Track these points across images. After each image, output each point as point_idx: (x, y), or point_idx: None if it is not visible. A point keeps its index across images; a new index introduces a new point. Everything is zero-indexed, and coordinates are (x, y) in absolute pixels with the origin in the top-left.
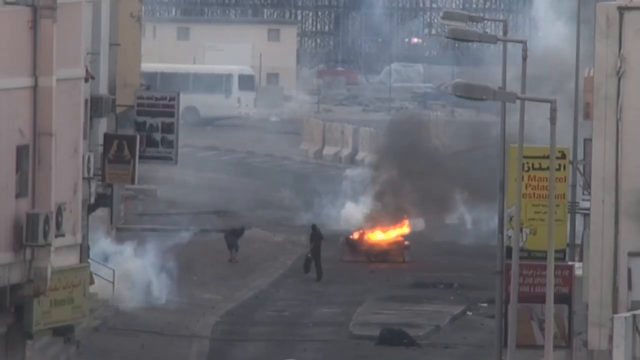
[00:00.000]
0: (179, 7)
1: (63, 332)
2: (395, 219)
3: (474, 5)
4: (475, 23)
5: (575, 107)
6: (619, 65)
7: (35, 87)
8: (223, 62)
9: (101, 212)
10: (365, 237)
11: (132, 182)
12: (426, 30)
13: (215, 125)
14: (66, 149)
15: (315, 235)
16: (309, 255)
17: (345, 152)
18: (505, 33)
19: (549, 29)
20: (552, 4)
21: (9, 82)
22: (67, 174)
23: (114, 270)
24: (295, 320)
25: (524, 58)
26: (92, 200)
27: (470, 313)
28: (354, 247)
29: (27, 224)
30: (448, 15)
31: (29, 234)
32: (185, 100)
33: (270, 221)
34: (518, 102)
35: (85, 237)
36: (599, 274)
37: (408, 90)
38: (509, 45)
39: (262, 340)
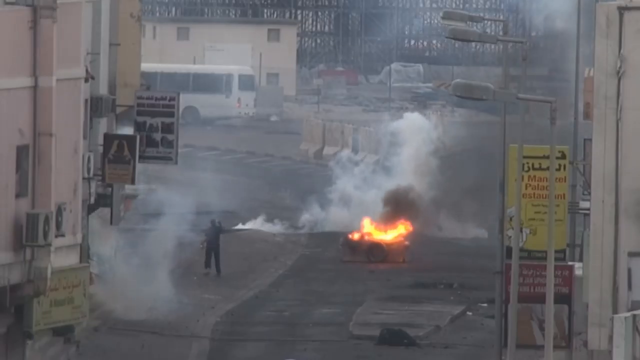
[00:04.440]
0: (179, 7)
1: (63, 332)
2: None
3: (474, 5)
4: (475, 23)
5: (575, 107)
6: (619, 65)
7: (35, 87)
8: (223, 62)
9: (101, 212)
10: (365, 237)
11: (132, 182)
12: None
13: (215, 125)
14: (66, 149)
15: (212, 230)
16: (201, 247)
17: (346, 152)
18: (505, 33)
19: None
20: None
21: (9, 82)
22: (67, 174)
23: (113, 271)
24: (295, 320)
25: (524, 58)
26: (92, 200)
27: (470, 313)
28: (354, 247)
29: (27, 224)
30: (448, 15)
31: (29, 234)
32: (185, 100)
33: (270, 221)
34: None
35: (85, 237)
36: (599, 274)
37: (408, 90)
38: None
39: (262, 340)
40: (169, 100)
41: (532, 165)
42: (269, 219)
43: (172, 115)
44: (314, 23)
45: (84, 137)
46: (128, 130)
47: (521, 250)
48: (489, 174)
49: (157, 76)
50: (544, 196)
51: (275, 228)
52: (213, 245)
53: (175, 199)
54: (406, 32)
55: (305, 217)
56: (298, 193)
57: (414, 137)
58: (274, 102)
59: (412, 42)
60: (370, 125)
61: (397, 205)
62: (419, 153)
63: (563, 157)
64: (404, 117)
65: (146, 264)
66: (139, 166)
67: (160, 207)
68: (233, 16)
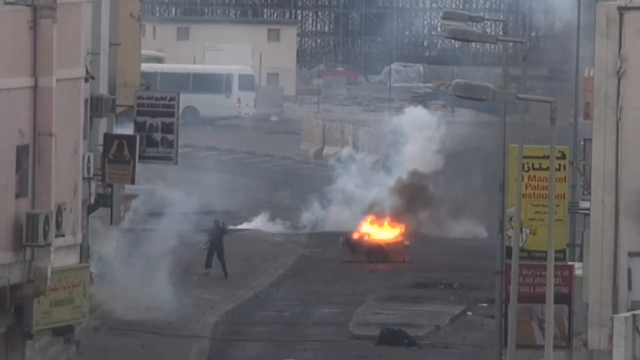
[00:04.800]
0: (179, 7)
1: (63, 332)
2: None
3: (474, 5)
4: (475, 23)
5: (575, 107)
6: (619, 65)
7: (35, 87)
8: (223, 62)
9: (101, 212)
10: (365, 237)
11: (132, 182)
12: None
13: (215, 125)
14: (66, 149)
15: (216, 230)
16: (204, 248)
17: (346, 151)
18: (505, 33)
19: None
20: None
21: (9, 82)
22: (67, 174)
23: (113, 271)
24: (295, 320)
25: (524, 58)
26: (92, 200)
27: (470, 313)
28: (354, 247)
29: (27, 224)
30: (448, 15)
31: (29, 234)
32: (185, 100)
33: (271, 221)
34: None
35: (85, 237)
36: (599, 274)
37: (408, 90)
38: None
39: (262, 340)
40: (169, 100)
41: (532, 165)
42: (270, 219)
43: (172, 115)
44: (314, 23)
45: (84, 137)
46: (127, 130)
47: (521, 250)
48: (491, 173)
49: (157, 76)
50: (544, 196)
51: (276, 228)
52: (216, 246)
53: (175, 199)
54: (406, 32)
55: (306, 217)
56: (298, 193)
57: (417, 133)
58: (274, 102)
59: (412, 42)
60: (370, 125)
61: (413, 193)
62: (423, 152)
63: (563, 157)
64: (405, 112)
65: (146, 264)
66: (139, 166)
67: (160, 207)
68: (233, 16)
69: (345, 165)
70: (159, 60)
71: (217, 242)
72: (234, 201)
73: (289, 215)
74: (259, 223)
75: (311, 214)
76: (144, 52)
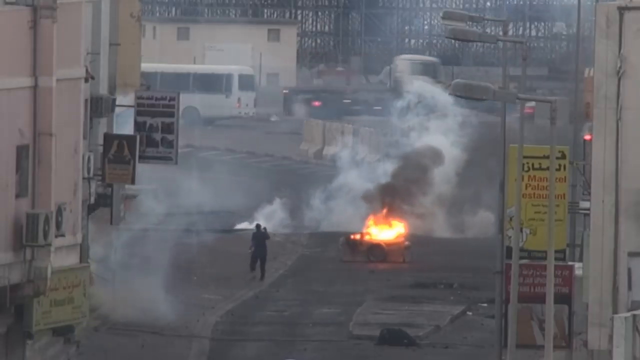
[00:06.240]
0: (179, 7)
1: (63, 332)
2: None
3: (474, 5)
4: (475, 23)
5: (575, 107)
6: (619, 65)
7: (35, 87)
8: (223, 62)
9: (101, 212)
10: (365, 237)
11: (132, 182)
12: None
13: (215, 125)
14: (66, 149)
15: (258, 235)
16: (250, 251)
17: (346, 151)
18: (505, 33)
19: None
20: None
21: (9, 82)
22: (67, 174)
23: (113, 271)
24: (295, 320)
25: (524, 58)
26: (92, 200)
27: (470, 313)
28: (354, 247)
29: (27, 224)
30: (448, 15)
31: (29, 234)
32: (185, 100)
33: (272, 221)
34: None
35: (85, 237)
36: (599, 274)
37: None
38: None
39: (262, 340)
40: (169, 100)
41: (532, 165)
42: (271, 219)
43: (172, 115)
44: (314, 23)
45: (84, 137)
46: (128, 129)
47: (521, 250)
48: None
49: (157, 76)
50: (544, 196)
51: (277, 228)
52: (260, 250)
53: (174, 199)
54: (406, 32)
55: (308, 217)
56: (298, 193)
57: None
58: (274, 102)
59: (412, 42)
60: (370, 125)
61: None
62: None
63: (563, 157)
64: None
65: (146, 264)
66: (139, 166)
67: (160, 207)
68: (233, 16)
69: (346, 165)
70: (434, 65)
71: (260, 247)
72: (234, 201)
73: (290, 215)
74: (265, 223)
75: (313, 214)
76: (420, 57)
